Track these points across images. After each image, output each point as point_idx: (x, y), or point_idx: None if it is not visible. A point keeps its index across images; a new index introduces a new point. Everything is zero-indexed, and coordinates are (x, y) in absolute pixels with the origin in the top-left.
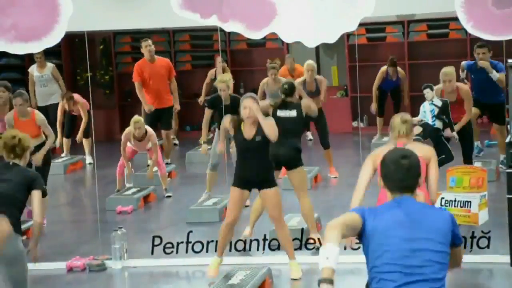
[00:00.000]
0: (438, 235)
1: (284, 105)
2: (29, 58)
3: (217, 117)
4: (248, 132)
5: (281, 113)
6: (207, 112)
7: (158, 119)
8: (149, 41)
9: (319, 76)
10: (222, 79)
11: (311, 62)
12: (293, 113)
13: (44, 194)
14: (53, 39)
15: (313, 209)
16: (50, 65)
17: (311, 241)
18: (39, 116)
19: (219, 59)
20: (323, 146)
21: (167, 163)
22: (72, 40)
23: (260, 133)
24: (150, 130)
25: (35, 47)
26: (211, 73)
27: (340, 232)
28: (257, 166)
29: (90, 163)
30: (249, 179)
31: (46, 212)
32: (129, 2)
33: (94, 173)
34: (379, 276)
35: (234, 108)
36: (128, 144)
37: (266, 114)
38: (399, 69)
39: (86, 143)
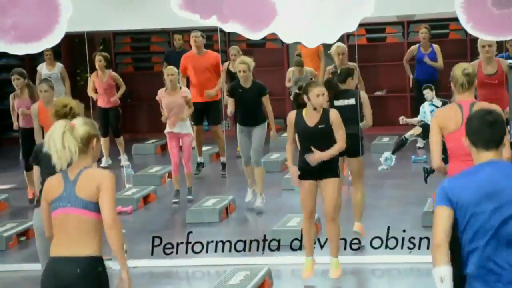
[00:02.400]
0: None
1: (341, 93)
2: (29, 59)
3: (236, 104)
4: (311, 119)
5: (338, 102)
6: (231, 102)
7: (204, 113)
8: (198, 33)
9: (351, 63)
10: (244, 60)
11: (341, 45)
12: (351, 101)
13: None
14: (53, 39)
15: (364, 200)
16: (59, 65)
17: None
18: None
19: (232, 51)
20: None
21: (222, 163)
22: (72, 40)
23: (324, 121)
24: (184, 87)
25: (35, 48)
26: (224, 65)
27: (447, 247)
28: None
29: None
30: (312, 168)
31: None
32: (129, 2)
33: None
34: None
35: (254, 93)
36: (162, 100)
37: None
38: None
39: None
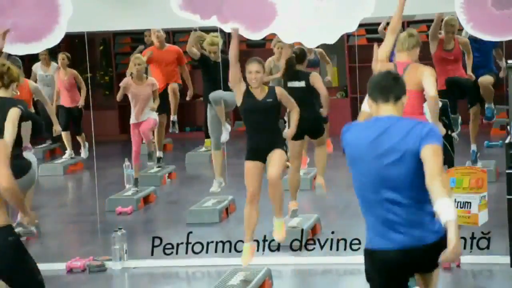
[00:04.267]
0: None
1: (293, 75)
2: (29, 59)
3: (206, 76)
4: (258, 94)
5: (290, 83)
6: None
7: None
8: (161, 31)
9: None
10: (213, 41)
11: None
12: (301, 83)
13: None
14: (53, 39)
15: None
16: (54, 65)
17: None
18: (32, 84)
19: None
20: None
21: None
22: (72, 40)
23: (271, 95)
24: (151, 77)
25: (35, 48)
26: None
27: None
28: (267, 131)
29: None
30: (260, 147)
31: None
32: (129, 3)
33: (94, 173)
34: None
35: (226, 65)
36: (129, 89)
37: (278, 84)
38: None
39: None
